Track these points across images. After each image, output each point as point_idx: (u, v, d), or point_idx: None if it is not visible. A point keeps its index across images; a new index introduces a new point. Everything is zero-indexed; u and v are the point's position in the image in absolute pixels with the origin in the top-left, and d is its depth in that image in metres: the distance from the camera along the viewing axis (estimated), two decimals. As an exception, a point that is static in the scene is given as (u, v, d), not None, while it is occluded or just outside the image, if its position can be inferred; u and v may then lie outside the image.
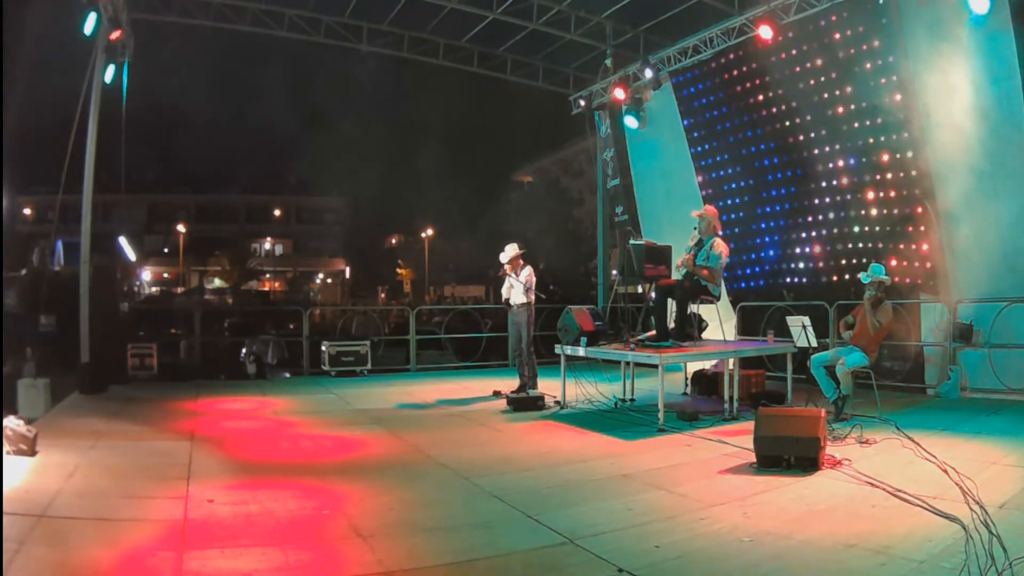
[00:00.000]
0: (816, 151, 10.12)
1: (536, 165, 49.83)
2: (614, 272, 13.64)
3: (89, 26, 8.98)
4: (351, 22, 12.19)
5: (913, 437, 5.95)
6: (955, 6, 7.96)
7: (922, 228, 8.73)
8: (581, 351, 8.03)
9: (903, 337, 9.09)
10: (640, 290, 10.80)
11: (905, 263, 8.96)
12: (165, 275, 50.38)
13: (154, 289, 46.25)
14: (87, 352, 9.39)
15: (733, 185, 11.54)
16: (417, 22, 12.35)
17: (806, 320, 7.30)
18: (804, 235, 10.45)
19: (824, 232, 10.13)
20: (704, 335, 8.49)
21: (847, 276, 9.63)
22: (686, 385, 9.38)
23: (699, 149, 12.05)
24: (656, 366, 7.02)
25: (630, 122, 12.64)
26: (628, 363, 8.31)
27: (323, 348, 11.86)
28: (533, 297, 9.05)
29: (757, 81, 10.91)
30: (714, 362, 9.23)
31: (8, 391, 6.94)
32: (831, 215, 10.03)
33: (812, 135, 10.17)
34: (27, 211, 37.89)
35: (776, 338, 8.24)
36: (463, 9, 11.56)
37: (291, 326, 15.55)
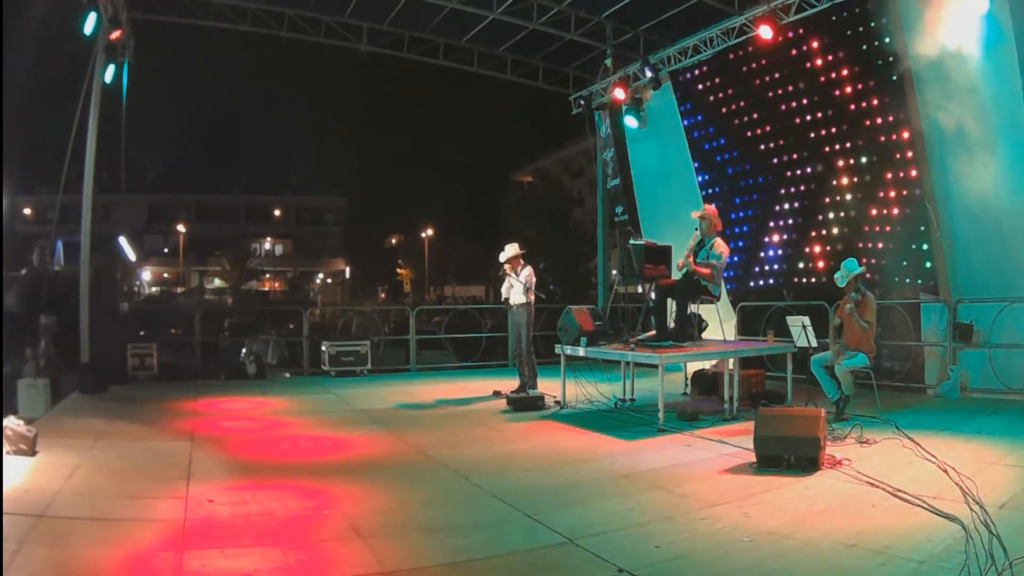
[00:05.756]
0: (816, 151, 10.12)
1: (536, 165, 49.93)
2: (614, 272, 13.65)
3: (89, 26, 8.99)
4: (351, 22, 12.19)
5: (913, 437, 5.95)
6: (956, 6, 7.96)
7: (922, 228, 8.73)
8: (581, 351, 8.03)
9: (903, 337, 9.10)
10: (640, 290, 10.78)
11: (905, 263, 8.96)
12: (165, 275, 50.42)
13: (154, 289, 46.29)
14: (87, 352, 9.38)
15: (733, 185, 11.54)
16: (417, 22, 12.34)
17: (806, 320, 7.30)
18: (804, 235, 10.45)
19: (824, 232, 10.13)
20: (704, 335, 8.49)
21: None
22: (686, 385, 9.38)
23: (699, 149, 12.05)
24: (656, 366, 7.01)
25: (630, 122, 12.63)
26: (628, 363, 8.30)
27: (323, 348, 11.86)
28: (533, 297, 9.05)
29: (757, 81, 10.91)
30: (714, 362, 9.23)
31: (8, 391, 6.93)
32: (831, 215, 10.03)
33: (812, 135, 10.17)
34: (27, 211, 37.87)
35: (776, 338, 8.24)
36: (463, 9, 11.55)
37: (291, 326, 15.54)
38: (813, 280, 10.28)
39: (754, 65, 10.83)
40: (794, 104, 10.33)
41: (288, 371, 12.28)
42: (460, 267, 49.91)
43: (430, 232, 52.40)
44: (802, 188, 10.49)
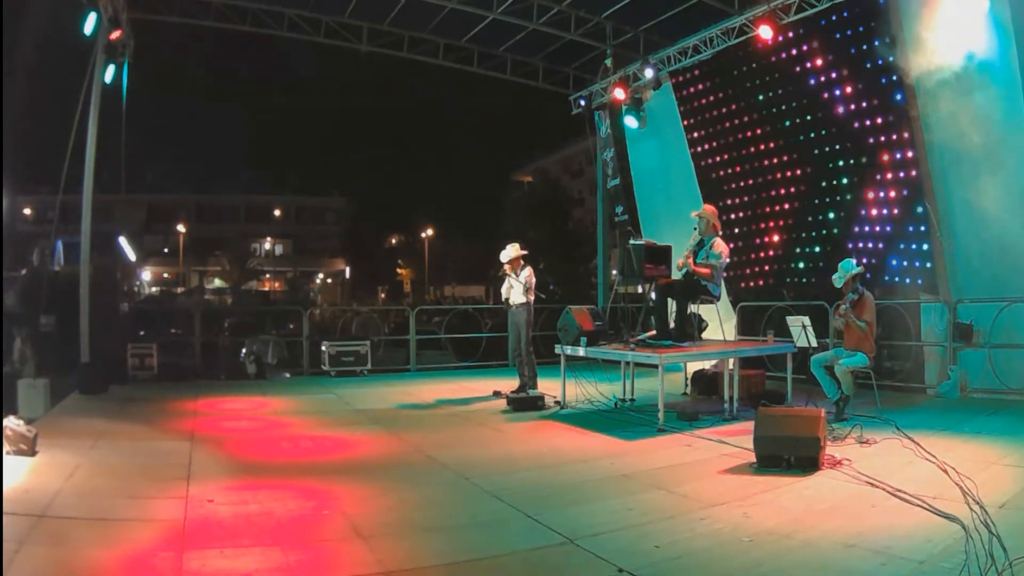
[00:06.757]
0: (816, 151, 10.11)
1: (536, 165, 49.96)
2: (614, 272, 13.65)
3: (89, 26, 8.98)
4: (351, 22, 12.18)
5: (913, 437, 5.95)
6: (955, 6, 7.96)
7: (922, 228, 8.73)
8: (581, 351, 8.03)
9: (903, 337, 9.10)
10: (640, 290, 10.78)
11: (905, 263, 8.96)
12: (165, 275, 50.46)
13: (154, 289, 46.28)
14: (87, 352, 9.38)
15: (733, 185, 11.53)
16: (417, 22, 12.34)
17: (806, 320, 7.31)
18: (804, 235, 10.45)
19: (824, 232, 10.13)
20: (704, 335, 8.48)
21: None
22: (686, 385, 9.38)
23: (699, 149, 12.05)
24: (656, 366, 7.01)
25: (630, 122, 12.63)
26: (628, 363, 8.30)
27: (323, 348, 11.86)
28: (532, 297, 9.05)
29: (757, 81, 10.91)
30: (714, 362, 9.23)
31: (8, 391, 6.93)
32: (831, 215, 10.03)
33: (812, 135, 10.17)
34: (27, 211, 37.86)
35: (776, 338, 8.24)
36: (463, 9, 11.54)
37: (291, 326, 15.54)
38: (813, 280, 10.28)
39: (754, 65, 10.83)
40: (794, 105, 10.33)
41: (288, 371, 12.27)
42: (460, 267, 49.94)
43: (430, 232, 52.43)
44: (802, 188, 10.48)
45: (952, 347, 8.48)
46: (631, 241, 9.30)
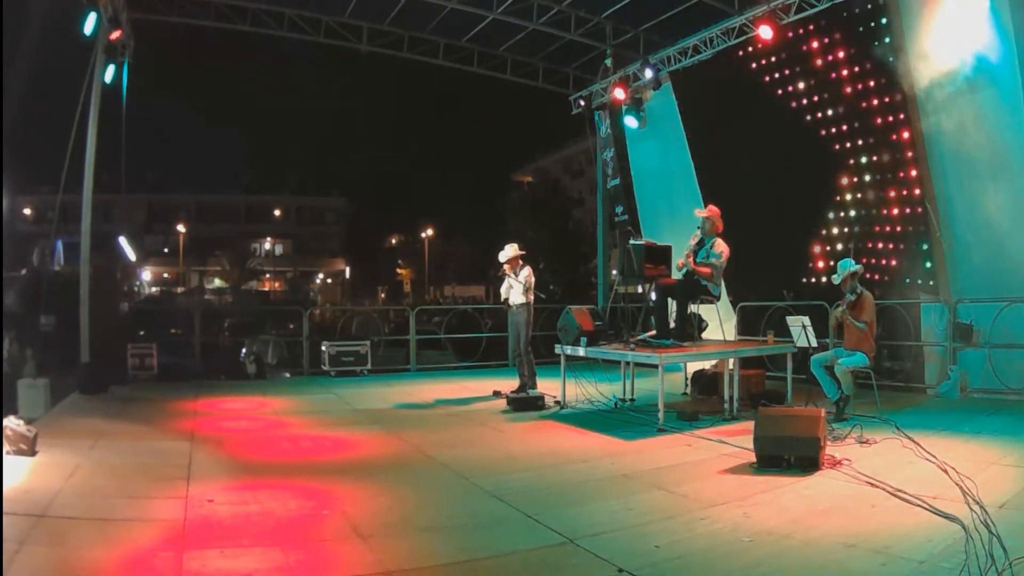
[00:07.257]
0: (816, 151, 10.10)
1: (536, 165, 49.97)
2: (614, 272, 13.65)
3: (89, 26, 8.98)
4: (351, 22, 12.19)
5: (913, 437, 5.95)
6: (955, 6, 7.96)
7: (922, 228, 8.73)
8: (581, 351, 8.03)
9: (903, 337, 9.10)
10: (640, 290, 10.79)
11: (905, 263, 8.96)
12: (165, 275, 50.47)
13: (154, 289, 46.31)
14: (87, 352, 9.38)
15: (733, 185, 11.47)
16: (417, 22, 12.35)
17: (806, 320, 7.30)
18: (804, 235, 10.43)
19: (824, 232, 10.12)
20: (704, 335, 8.49)
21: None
22: (686, 385, 9.38)
23: (699, 149, 12.02)
24: (656, 366, 7.01)
25: (630, 122, 12.63)
26: (628, 363, 8.30)
27: (323, 348, 11.86)
28: (532, 297, 9.05)
29: (757, 81, 10.89)
30: (714, 362, 9.23)
31: (8, 391, 6.93)
32: (831, 215, 10.02)
33: (812, 135, 10.15)
34: (27, 211, 37.86)
35: (776, 338, 8.24)
36: (463, 9, 11.54)
37: (291, 326, 15.56)
38: (813, 280, 10.27)
39: (754, 65, 10.82)
40: (794, 104, 10.32)
41: (288, 371, 12.27)
42: (460, 267, 49.97)
43: (430, 232, 52.44)
44: (802, 188, 10.44)
45: (952, 347, 8.48)
46: (631, 241, 9.30)
